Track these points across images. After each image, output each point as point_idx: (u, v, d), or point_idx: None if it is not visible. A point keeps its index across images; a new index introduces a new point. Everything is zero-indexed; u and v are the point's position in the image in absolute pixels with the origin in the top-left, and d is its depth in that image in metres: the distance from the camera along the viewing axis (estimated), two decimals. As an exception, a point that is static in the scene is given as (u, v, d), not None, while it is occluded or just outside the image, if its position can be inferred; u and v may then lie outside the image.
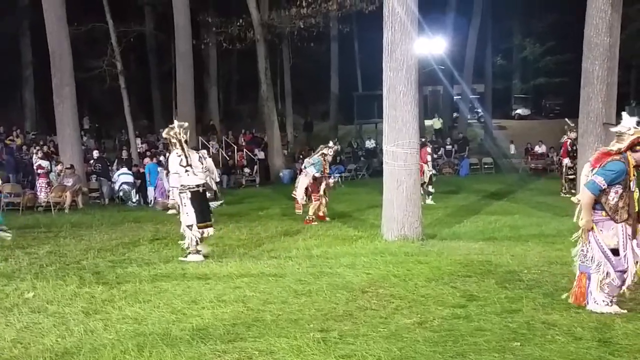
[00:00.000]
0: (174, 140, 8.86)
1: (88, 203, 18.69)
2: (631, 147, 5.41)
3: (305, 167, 13.05)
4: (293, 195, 12.94)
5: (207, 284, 7.09)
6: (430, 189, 16.00)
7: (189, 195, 8.84)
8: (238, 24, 27.11)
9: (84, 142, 25.22)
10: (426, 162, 15.91)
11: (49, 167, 19.21)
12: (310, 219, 12.48)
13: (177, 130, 8.80)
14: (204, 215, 8.95)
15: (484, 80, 39.24)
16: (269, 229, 11.95)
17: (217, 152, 27.88)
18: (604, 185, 5.37)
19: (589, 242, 5.58)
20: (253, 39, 26.85)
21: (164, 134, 9.26)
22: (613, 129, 5.86)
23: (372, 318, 5.57)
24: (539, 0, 40.91)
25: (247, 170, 26.80)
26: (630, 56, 30.06)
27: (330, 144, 13.89)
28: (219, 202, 15.27)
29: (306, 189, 12.80)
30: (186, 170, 8.82)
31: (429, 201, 15.52)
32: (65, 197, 17.37)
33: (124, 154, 23.79)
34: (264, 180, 26.74)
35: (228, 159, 27.71)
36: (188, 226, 8.90)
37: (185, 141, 8.84)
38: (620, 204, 5.41)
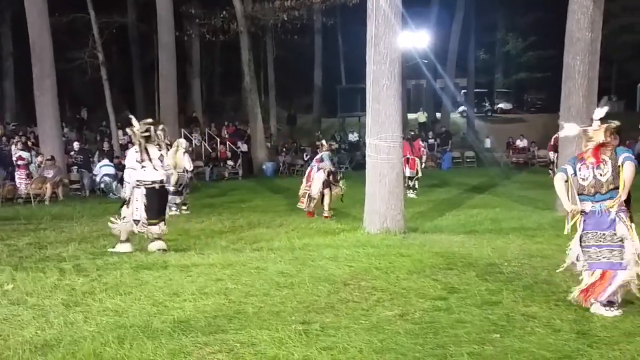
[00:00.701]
0: (134, 139, 8.92)
1: (69, 195, 18.53)
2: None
3: (314, 165, 12.91)
4: (306, 190, 12.66)
5: (189, 276, 7.07)
6: (416, 183, 16.10)
7: (144, 191, 8.81)
8: (221, 15, 27.01)
9: (65, 134, 24.99)
10: (419, 156, 16.08)
11: (29, 159, 19.00)
12: (329, 214, 12.36)
13: (137, 129, 8.85)
14: (157, 212, 8.88)
15: (466, 74, 39.40)
16: (252, 221, 11.93)
17: (199, 144, 27.78)
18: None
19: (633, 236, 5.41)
20: (236, 30, 26.75)
21: (127, 130, 9.24)
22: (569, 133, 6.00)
23: (353, 310, 5.59)
24: (522, -5, 41.11)
25: (230, 162, 26.72)
26: (612, 51, 30.33)
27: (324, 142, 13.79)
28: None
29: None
30: (142, 167, 8.82)
31: (411, 195, 15.63)
32: (46, 188, 17.20)
33: (106, 145, 23.60)
34: (247, 173, 26.69)
35: (211, 151, 27.61)
36: (123, 218, 8.91)
37: (148, 137, 8.86)
38: None
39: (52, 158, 18.18)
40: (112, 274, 7.26)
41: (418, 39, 31.22)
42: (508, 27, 44.59)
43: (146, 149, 8.84)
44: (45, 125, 19.62)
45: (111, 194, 18.89)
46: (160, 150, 9.05)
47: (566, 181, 5.64)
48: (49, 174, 17.66)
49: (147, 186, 8.81)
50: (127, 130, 9.22)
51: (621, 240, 5.39)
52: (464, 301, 5.77)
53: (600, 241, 5.45)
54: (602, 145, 5.52)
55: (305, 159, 28.47)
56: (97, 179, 19.64)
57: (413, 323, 5.18)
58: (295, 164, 28.33)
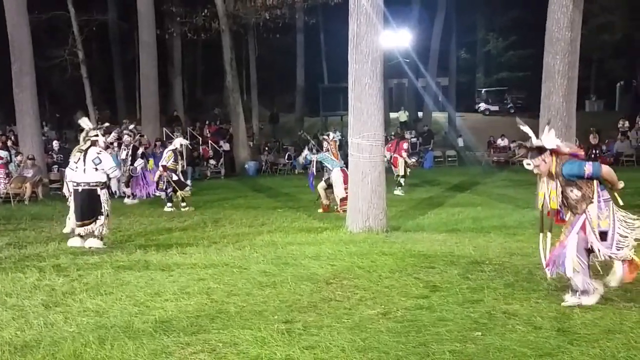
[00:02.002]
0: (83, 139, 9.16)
1: (49, 194, 18.35)
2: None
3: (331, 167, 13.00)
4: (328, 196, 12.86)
5: (171, 276, 7.04)
6: (402, 181, 16.19)
7: (72, 191, 9.13)
8: (203, 14, 26.91)
9: (45, 133, 24.75)
10: (400, 155, 16.15)
11: (8, 158, 18.80)
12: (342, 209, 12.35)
13: (87, 133, 9.15)
14: (80, 214, 9.05)
15: (448, 74, 39.60)
16: (234, 220, 11.89)
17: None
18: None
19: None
20: (218, 29, 26.65)
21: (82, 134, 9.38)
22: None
23: (336, 309, 5.59)
24: (502, -6, 41.44)
25: (212, 162, 26.62)
26: (591, 51, 30.65)
27: (330, 134, 13.75)
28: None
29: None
30: (76, 167, 9.06)
31: (397, 192, 15.74)
32: (25, 188, 17.03)
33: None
34: (229, 172, 26.61)
35: (193, 150, 27.48)
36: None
37: (94, 142, 9.12)
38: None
39: (32, 157, 17.99)
40: (93, 274, 7.20)
41: (400, 38, 31.31)
42: (488, 26, 44.90)
43: (86, 152, 9.05)
44: (24, 123, 19.40)
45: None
46: (99, 153, 9.14)
47: None
48: (29, 173, 17.48)
49: (74, 187, 9.11)
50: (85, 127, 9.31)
51: None
52: (445, 299, 5.80)
53: None
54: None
55: (288, 158, 28.51)
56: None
57: (395, 321, 5.19)
58: (277, 163, 28.30)
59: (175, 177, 14.04)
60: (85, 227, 9.08)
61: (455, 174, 23.38)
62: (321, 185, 13.22)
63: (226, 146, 28.19)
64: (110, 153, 9.69)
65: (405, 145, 16.65)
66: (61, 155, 20.26)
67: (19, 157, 18.43)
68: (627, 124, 28.91)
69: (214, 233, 10.40)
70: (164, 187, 14.12)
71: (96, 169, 9.02)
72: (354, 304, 5.77)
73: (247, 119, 29.81)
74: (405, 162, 16.36)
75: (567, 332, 4.81)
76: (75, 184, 9.07)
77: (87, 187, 9.02)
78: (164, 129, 26.46)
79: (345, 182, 12.51)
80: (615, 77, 39.71)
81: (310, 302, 5.82)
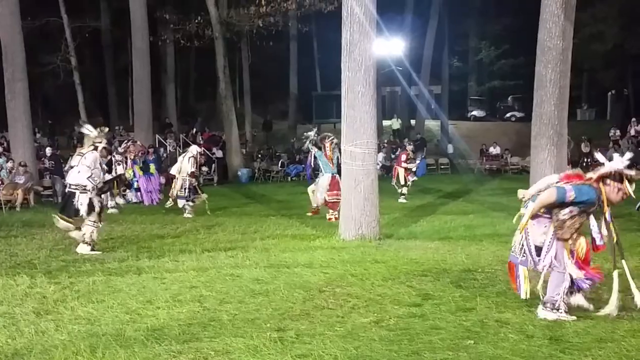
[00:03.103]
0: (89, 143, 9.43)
1: (40, 201, 18.27)
2: (602, 179, 5.36)
3: (324, 171, 13.11)
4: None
5: (163, 283, 7.01)
6: (404, 190, 16.50)
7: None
8: (196, 21, 26.90)
9: (37, 139, 24.67)
10: (400, 166, 16.50)
11: (0, 164, 18.73)
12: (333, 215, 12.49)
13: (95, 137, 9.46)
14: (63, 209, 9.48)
15: (440, 82, 39.75)
16: (227, 227, 11.87)
17: (174, 149, 27.61)
18: (570, 199, 5.25)
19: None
20: (211, 36, 26.66)
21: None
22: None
23: (328, 317, 5.58)
24: (494, 4, 41.62)
25: (204, 168, 26.55)
26: (583, 60, 30.81)
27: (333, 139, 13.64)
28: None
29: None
30: (70, 168, 9.54)
31: (401, 200, 16.21)
32: (17, 195, 16.96)
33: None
34: (222, 179, 26.58)
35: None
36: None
37: (96, 147, 9.41)
38: (568, 224, 5.34)
39: (24, 164, 17.92)
40: (84, 281, 7.16)
41: (393, 47, 31.48)
42: (480, 35, 45.12)
43: (84, 155, 9.30)
44: (16, 130, 19.36)
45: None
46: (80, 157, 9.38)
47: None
48: (21, 179, 17.42)
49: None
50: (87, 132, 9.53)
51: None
52: (438, 308, 5.80)
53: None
54: (587, 180, 5.45)
55: (281, 165, 28.51)
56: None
57: (388, 330, 5.19)
58: (270, 170, 28.28)
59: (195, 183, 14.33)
60: (66, 225, 9.30)
61: (447, 181, 23.44)
62: (311, 188, 13.28)
63: (219, 153, 28.16)
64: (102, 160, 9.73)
65: (403, 157, 16.99)
66: (52, 162, 20.19)
67: (10, 164, 18.36)
68: (618, 132, 29.09)
69: (206, 240, 10.37)
70: (188, 194, 14.13)
71: (79, 172, 9.21)
72: (346, 312, 5.76)
73: (240, 126, 29.81)
74: (405, 170, 16.59)
75: (559, 341, 4.82)
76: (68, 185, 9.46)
77: (70, 189, 9.34)
78: (157, 135, 26.41)
79: (332, 189, 12.62)
80: (606, 86, 39.91)
81: (303, 310, 5.81)
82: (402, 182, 16.57)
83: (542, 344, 4.75)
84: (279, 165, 28.61)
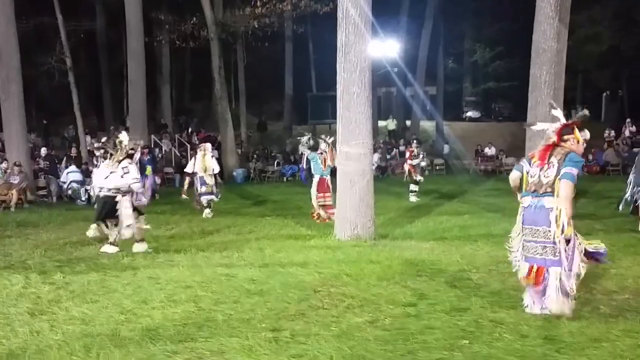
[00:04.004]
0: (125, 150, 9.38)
1: (35, 201, 18.23)
2: (561, 139, 5.53)
3: (314, 172, 13.15)
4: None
5: (158, 284, 7.00)
6: (413, 187, 16.78)
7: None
8: (191, 22, 26.87)
9: (31, 140, 24.60)
10: (410, 159, 16.98)
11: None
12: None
13: (126, 143, 9.44)
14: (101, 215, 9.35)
15: (436, 83, 39.80)
16: (222, 228, 11.87)
17: (169, 150, 27.58)
18: (578, 175, 5.35)
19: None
20: (206, 37, 26.64)
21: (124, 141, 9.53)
22: (536, 128, 5.99)
23: (323, 317, 5.58)
24: (489, 6, 41.69)
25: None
26: (577, 62, 30.90)
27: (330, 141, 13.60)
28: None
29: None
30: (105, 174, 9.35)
31: (412, 198, 16.52)
32: (12, 195, 16.91)
33: (73, 151, 23.28)
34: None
35: (181, 157, 27.41)
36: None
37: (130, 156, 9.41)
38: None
39: (19, 164, 17.88)
40: (79, 281, 7.15)
41: (388, 48, 31.50)
42: (475, 37, 45.21)
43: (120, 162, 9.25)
44: (11, 130, 19.28)
45: (78, 200, 18.64)
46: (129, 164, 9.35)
47: (521, 179, 5.71)
48: (15, 180, 17.37)
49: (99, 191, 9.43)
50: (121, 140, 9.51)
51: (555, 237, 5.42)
52: (433, 307, 5.81)
53: (535, 237, 5.51)
54: (553, 145, 5.54)
55: (276, 165, 28.50)
56: (65, 185, 19.37)
57: (383, 329, 5.20)
58: (265, 170, 28.27)
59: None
60: (99, 228, 9.31)
61: (442, 182, 23.45)
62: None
63: (214, 153, 28.08)
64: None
65: (407, 154, 17.52)
66: (47, 162, 20.15)
67: (5, 164, 18.30)
68: (612, 133, 29.17)
69: (201, 240, 10.37)
70: (214, 191, 14.24)
71: (122, 177, 9.17)
72: (341, 311, 5.76)
73: (235, 127, 29.79)
74: (411, 167, 16.85)
75: (553, 341, 4.83)
76: (99, 189, 9.35)
77: (108, 193, 9.22)
78: (152, 136, 26.36)
79: (319, 191, 12.65)
80: (601, 87, 40.01)
81: (298, 310, 5.81)
82: (411, 180, 16.86)
83: (537, 344, 4.77)
84: (274, 165, 28.60)
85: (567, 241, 5.38)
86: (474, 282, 6.82)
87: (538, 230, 5.48)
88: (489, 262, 7.90)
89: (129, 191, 9.18)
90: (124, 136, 9.57)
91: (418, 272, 7.39)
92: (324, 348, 4.73)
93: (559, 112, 5.76)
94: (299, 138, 14.59)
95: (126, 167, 9.19)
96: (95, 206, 9.58)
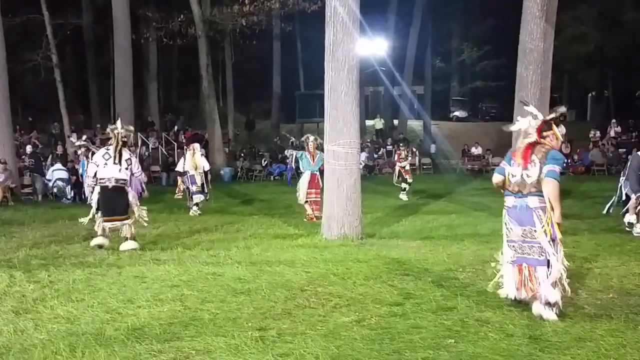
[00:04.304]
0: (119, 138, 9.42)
1: (20, 199, 18.09)
2: (540, 135, 5.56)
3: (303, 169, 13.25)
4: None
5: (144, 283, 6.97)
6: (403, 185, 16.97)
7: (98, 189, 9.38)
8: (179, 19, 26.74)
9: (17, 137, 24.41)
10: (399, 162, 17.23)
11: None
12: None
13: (120, 131, 9.41)
14: (112, 210, 9.32)
15: (423, 82, 39.91)
16: (209, 226, 11.83)
17: (156, 148, 27.46)
18: (560, 170, 5.41)
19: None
20: (194, 35, 26.54)
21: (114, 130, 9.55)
22: (514, 128, 5.98)
23: (310, 316, 5.58)
24: (477, 5, 41.88)
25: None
26: (563, 62, 31.09)
27: (310, 137, 13.63)
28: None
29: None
30: (105, 164, 9.34)
31: (401, 196, 16.69)
32: (-4, 193, 16.78)
33: (59, 149, 23.12)
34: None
35: (168, 156, 27.30)
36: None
37: (124, 143, 9.47)
38: None
39: (4, 162, 17.73)
40: (64, 280, 7.11)
41: (376, 47, 31.55)
42: (463, 36, 45.40)
43: (120, 151, 9.35)
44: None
45: (64, 199, 18.53)
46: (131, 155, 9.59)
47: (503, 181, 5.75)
48: (0, 177, 17.22)
49: (102, 184, 9.32)
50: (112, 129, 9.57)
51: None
52: (419, 307, 5.82)
53: (522, 237, 5.54)
54: (534, 144, 5.55)
55: (264, 164, 28.46)
56: (50, 183, 19.24)
57: (369, 329, 5.21)
58: (253, 169, 28.23)
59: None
60: (114, 223, 9.34)
61: (430, 181, 23.53)
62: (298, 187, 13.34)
63: (202, 152, 28.00)
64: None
65: (396, 157, 17.95)
66: (32, 160, 20.01)
67: (-10, 162, 18.15)
68: (598, 133, 29.39)
69: (188, 239, 10.34)
70: (205, 190, 14.45)
71: (127, 168, 9.36)
72: (328, 311, 5.77)
73: (222, 125, 29.70)
74: (402, 168, 17.07)
75: (538, 340, 4.86)
76: (105, 180, 9.28)
77: (117, 184, 9.29)
78: (139, 134, 26.24)
79: (311, 187, 12.71)
80: (587, 87, 40.29)
81: (285, 309, 5.81)
82: (401, 179, 17.05)
83: (522, 343, 4.79)
84: (262, 164, 28.56)
85: (552, 240, 5.42)
86: (460, 282, 6.85)
87: (524, 229, 5.51)
88: (476, 262, 7.93)
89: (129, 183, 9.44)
90: (118, 124, 9.58)
91: (405, 271, 7.40)
92: (311, 347, 4.73)
93: (532, 109, 5.77)
94: (284, 132, 14.69)
95: (129, 158, 9.41)
96: (97, 200, 9.40)
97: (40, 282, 7.04)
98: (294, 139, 13.98)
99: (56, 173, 19.18)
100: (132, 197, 9.49)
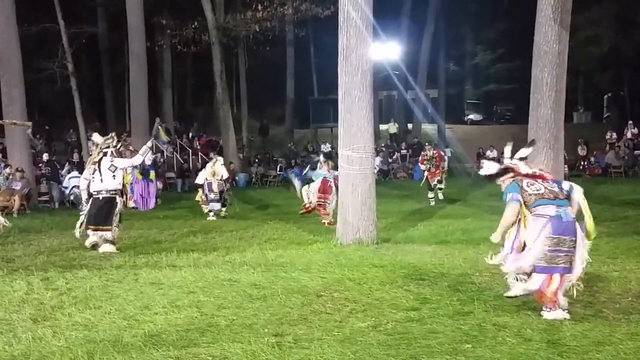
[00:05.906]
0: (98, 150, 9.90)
1: (37, 207, 18.23)
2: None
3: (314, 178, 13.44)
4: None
5: (161, 289, 6.99)
6: (430, 194, 16.82)
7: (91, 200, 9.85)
8: (193, 26, 26.89)
9: (33, 145, 24.61)
10: (422, 163, 17.30)
11: (-3, 171, 18.70)
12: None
13: (101, 143, 9.94)
14: (95, 220, 9.73)
15: (437, 86, 39.79)
16: (224, 232, 11.86)
17: (171, 155, 27.58)
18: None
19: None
20: (208, 41, 26.67)
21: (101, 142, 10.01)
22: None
23: (326, 322, 5.58)
24: (490, 8, 41.72)
25: (202, 173, 26.50)
26: (579, 63, 30.87)
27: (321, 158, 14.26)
28: None
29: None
30: (93, 178, 9.79)
31: (432, 202, 16.61)
32: (14, 201, 16.91)
33: (75, 156, 23.29)
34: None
35: (183, 162, 27.42)
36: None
37: (113, 152, 9.91)
38: None
39: (21, 170, 17.89)
40: (82, 287, 7.15)
41: (389, 51, 31.47)
42: (476, 39, 45.23)
43: (99, 163, 9.75)
44: (13, 136, 19.32)
45: (80, 206, 18.62)
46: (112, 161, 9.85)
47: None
48: (17, 185, 17.38)
49: (94, 196, 9.79)
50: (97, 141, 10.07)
51: (574, 246, 5.54)
52: (436, 312, 5.80)
53: (560, 246, 5.51)
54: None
55: (278, 170, 28.51)
56: (67, 191, 19.38)
57: (386, 334, 5.19)
58: (267, 175, 28.28)
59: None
60: (99, 233, 9.73)
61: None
62: (304, 189, 13.42)
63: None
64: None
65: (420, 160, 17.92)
66: (49, 168, 20.18)
67: (7, 170, 18.32)
68: (614, 135, 29.13)
69: (203, 245, 10.37)
70: (223, 198, 14.78)
71: (114, 177, 9.70)
72: (344, 316, 5.76)
73: (237, 131, 29.79)
74: (428, 172, 17.05)
75: (556, 344, 4.82)
76: (95, 192, 9.73)
77: (107, 195, 9.69)
78: (154, 140, 26.33)
79: (321, 191, 12.79)
80: (603, 88, 39.95)
81: (301, 315, 5.81)
82: (431, 185, 16.91)
83: (540, 347, 4.76)
84: (276, 170, 28.60)
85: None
86: (476, 286, 6.82)
87: (565, 239, 5.51)
88: (492, 266, 7.81)
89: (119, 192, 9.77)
90: (96, 137, 10.08)
91: (421, 276, 7.38)
92: (327, 353, 4.73)
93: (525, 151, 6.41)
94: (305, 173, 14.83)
95: (111, 165, 9.71)
96: (87, 210, 9.89)
97: (58, 289, 7.08)
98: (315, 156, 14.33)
99: (72, 180, 19.30)
100: (118, 209, 9.84)
